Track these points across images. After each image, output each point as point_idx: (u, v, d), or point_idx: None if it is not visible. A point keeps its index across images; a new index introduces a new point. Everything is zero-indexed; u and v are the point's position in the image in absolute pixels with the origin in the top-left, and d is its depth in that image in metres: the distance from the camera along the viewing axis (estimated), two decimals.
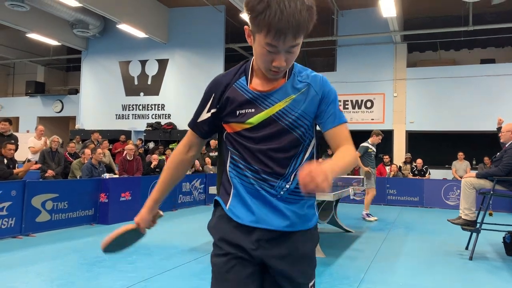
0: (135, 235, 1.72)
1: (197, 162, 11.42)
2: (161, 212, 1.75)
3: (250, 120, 1.53)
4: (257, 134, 1.53)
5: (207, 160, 12.19)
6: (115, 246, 1.69)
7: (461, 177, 9.80)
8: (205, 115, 1.63)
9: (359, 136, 8.44)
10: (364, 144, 8.66)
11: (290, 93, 1.54)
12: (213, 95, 1.60)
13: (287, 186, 1.54)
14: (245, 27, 1.47)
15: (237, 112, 1.55)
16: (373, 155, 8.73)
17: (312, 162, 1.48)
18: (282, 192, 1.54)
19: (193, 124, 1.68)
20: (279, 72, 1.48)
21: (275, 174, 1.53)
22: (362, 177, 8.24)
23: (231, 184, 1.60)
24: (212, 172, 11.51)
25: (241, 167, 1.57)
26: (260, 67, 1.51)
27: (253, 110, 1.53)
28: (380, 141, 8.80)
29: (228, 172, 1.62)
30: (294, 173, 1.54)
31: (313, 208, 1.65)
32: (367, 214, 8.76)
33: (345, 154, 1.52)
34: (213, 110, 1.60)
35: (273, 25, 1.34)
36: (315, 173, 1.23)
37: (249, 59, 1.62)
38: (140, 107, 16.10)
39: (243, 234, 1.53)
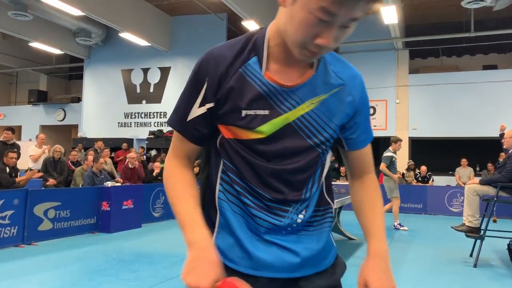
0: None
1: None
2: None
3: (261, 128, 1.06)
4: (271, 148, 1.07)
5: None
6: None
7: (464, 184, 9.74)
8: (197, 111, 1.10)
9: None
10: (388, 154, 8.38)
11: (319, 91, 1.08)
12: (207, 80, 1.06)
13: (301, 216, 1.12)
14: None
15: (244, 113, 1.06)
16: (395, 163, 8.55)
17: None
18: (294, 225, 1.12)
19: (182, 125, 1.13)
20: (317, 55, 1.00)
21: (286, 202, 1.10)
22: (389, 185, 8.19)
23: (217, 211, 1.15)
24: None
25: (238, 190, 1.11)
26: (290, 42, 0.99)
27: (266, 112, 1.05)
28: (401, 146, 8.60)
29: (216, 193, 1.15)
30: (310, 198, 1.14)
31: (330, 236, 1.23)
32: (399, 224, 8.58)
33: (377, 205, 1.21)
34: (209, 105, 1.08)
35: None
36: None
37: (259, 30, 1.10)
38: (142, 115, 16.14)
39: (242, 278, 1.12)
